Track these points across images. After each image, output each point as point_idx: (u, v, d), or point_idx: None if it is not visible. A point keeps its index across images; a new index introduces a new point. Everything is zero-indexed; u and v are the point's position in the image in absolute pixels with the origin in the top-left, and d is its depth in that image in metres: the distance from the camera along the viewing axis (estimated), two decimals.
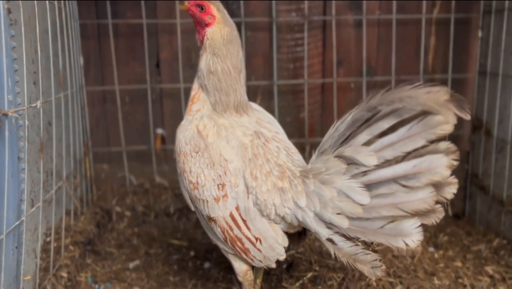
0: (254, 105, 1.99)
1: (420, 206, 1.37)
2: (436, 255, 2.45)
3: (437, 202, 1.39)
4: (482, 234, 2.74)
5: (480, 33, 2.89)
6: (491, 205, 2.77)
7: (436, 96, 1.25)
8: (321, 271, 2.19)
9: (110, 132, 2.89)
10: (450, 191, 1.38)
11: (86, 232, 2.34)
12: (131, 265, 2.36)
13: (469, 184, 3.07)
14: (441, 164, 1.31)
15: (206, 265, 2.36)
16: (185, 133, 1.81)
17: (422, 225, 1.43)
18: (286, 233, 1.72)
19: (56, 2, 2.00)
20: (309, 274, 2.17)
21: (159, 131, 2.93)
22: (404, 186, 1.36)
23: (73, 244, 2.18)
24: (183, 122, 1.87)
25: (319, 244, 2.40)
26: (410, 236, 1.39)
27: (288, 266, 2.25)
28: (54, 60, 2.01)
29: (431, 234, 2.77)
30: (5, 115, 1.32)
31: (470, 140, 3.05)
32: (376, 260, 1.49)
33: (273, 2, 2.78)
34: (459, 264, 2.36)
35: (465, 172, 3.12)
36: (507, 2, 2.55)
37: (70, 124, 2.27)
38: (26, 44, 1.64)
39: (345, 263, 1.53)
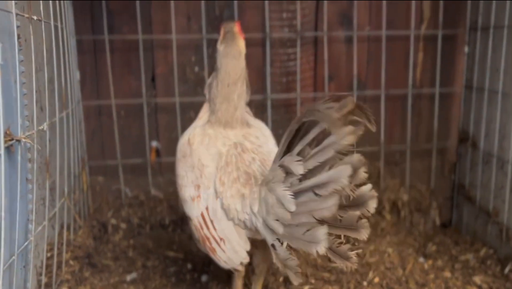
0: (256, 122, 2.08)
1: (326, 214, 1.39)
2: (426, 266, 2.53)
3: (361, 217, 1.44)
4: (470, 244, 2.83)
5: (466, 49, 2.99)
6: (478, 215, 2.86)
7: (329, 112, 1.29)
8: (317, 284, 2.25)
9: (105, 145, 2.91)
10: (372, 205, 1.42)
11: (85, 246, 2.37)
12: (129, 277, 2.39)
13: (456, 194, 3.17)
14: (344, 175, 1.33)
15: (204, 278, 2.40)
16: (181, 140, 2.01)
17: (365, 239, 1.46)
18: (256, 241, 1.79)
19: (59, 22, 2.03)
20: (306, 287, 2.23)
21: (154, 144, 2.96)
22: (316, 194, 1.41)
23: (73, 258, 2.21)
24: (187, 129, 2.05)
25: (313, 257, 2.46)
26: (320, 243, 1.42)
27: (285, 279, 2.31)
28: (56, 78, 2.05)
29: (420, 244, 2.85)
30: (18, 140, 1.35)
31: (457, 151, 3.15)
32: (297, 265, 1.53)
33: (267, 18, 2.84)
34: (448, 274, 2.44)
35: (452, 183, 3.21)
36: (492, 20, 2.65)
37: (71, 140, 2.29)
38: (28, 65, 1.68)
39: (280, 268, 1.58)
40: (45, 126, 1.64)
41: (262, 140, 1.97)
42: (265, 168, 1.81)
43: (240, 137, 1.92)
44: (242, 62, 1.95)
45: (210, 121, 1.98)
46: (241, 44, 1.97)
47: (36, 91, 1.84)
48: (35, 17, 1.59)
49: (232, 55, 1.92)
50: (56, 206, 1.98)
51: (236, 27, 1.99)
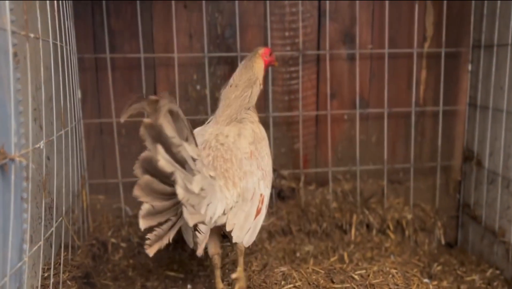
0: (246, 123, 2.19)
1: None
2: (431, 287, 2.47)
3: None
4: (475, 264, 2.77)
5: (470, 67, 2.97)
6: (484, 235, 2.81)
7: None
8: None
9: (106, 164, 2.90)
10: None
11: (83, 266, 2.34)
12: None
13: (461, 213, 3.12)
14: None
15: None
16: None
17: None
18: None
19: (58, 41, 2.03)
20: None
21: None
22: None
23: (71, 279, 2.17)
24: None
25: (315, 277, 2.41)
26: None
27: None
28: (55, 96, 2.04)
29: (424, 264, 2.80)
30: (12, 159, 1.34)
31: (461, 170, 3.11)
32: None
33: (269, 37, 2.84)
34: None
35: (457, 202, 3.16)
36: (496, 37, 2.64)
37: (70, 158, 2.28)
38: (30, 84, 1.67)
39: None
40: (42, 144, 1.62)
41: (231, 139, 2.06)
42: (215, 162, 1.93)
43: (210, 135, 2.06)
44: (248, 74, 2.23)
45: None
46: (256, 62, 2.26)
47: (35, 109, 1.83)
48: (32, 35, 1.59)
49: (244, 65, 2.25)
50: (53, 225, 1.95)
51: (262, 50, 2.32)
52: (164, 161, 1.38)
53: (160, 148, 1.37)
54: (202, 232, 1.72)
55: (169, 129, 1.38)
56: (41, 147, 1.63)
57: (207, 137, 2.06)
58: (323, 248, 2.88)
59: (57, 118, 1.97)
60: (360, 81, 2.98)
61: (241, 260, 2.13)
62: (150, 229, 1.54)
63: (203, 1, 2.74)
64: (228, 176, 1.90)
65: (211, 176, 1.72)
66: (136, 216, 2.92)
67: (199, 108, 2.91)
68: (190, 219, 1.52)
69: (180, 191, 1.42)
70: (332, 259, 2.73)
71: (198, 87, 2.90)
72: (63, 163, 2.17)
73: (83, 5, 2.70)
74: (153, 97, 1.37)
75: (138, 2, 2.67)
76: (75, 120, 2.43)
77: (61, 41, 2.10)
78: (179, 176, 1.42)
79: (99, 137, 2.87)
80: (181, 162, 1.48)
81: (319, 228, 2.97)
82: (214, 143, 2.02)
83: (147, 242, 1.56)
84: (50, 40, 1.83)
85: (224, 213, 1.82)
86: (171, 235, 1.60)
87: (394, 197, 3.13)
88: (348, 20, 2.95)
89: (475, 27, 2.91)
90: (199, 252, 1.76)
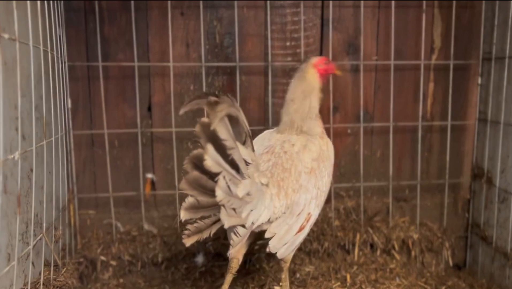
0: (314, 136, 2.18)
1: None
2: None
3: None
4: (486, 288, 2.62)
5: (479, 80, 2.84)
6: (494, 257, 2.65)
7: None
8: None
9: (97, 177, 2.77)
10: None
11: (67, 286, 2.19)
12: None
13: (470, 233, 2.97)
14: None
15: None
16: None
17: None
18: None
19: (41, 45, 1.91)
20: None
21: (149, 175, 2.82)
22: None
23: None
24: None
25: None
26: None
27: None
28: (39, 104, 1.92)
29: (432, 286, 2.65)
30: None
31: (470, 188, 2.97)
32: None
33: (269, 46, 2.72)
34: None
35: (466, 221, 3.02)
36: (508, 49, 2.51)
37: (54, 170, 2.15)
38: (8, 89, 1.55)
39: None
40: (16, 155, 1.50)
41: (296, 149, 2.06)
42: (273, 168, 1.96)
43: (277, 141, 2.11)
44: (302, 86, 2.20)
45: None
46: (309, 72, 2.21)
47: (16, 118, 1.71)
48: (6, 36, 1.47)
49: (297, 78, 2.23)
50: (31, 242, 1.81)
51: (315, 59, 2.25)
52: (211, 161, 1.44)
53: (210, 148, 1.44)
54: (239, 234, 1.74)
55: (223, 133, 1.45)
56: (16, 158, 1.50)
57: (273, 142, 2.11)
58: (325, 269, 2.74)
59: (38, 126, 1.84)
60: (365, 94, 2.85)
61: (283, 275, 2.14)
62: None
63: (201, 9, 2.63)
64: (282, 186, 1.91)
65: (262, 183, 1.77)
66: (127, 233, 2.79)
67: (195, 120, 2.78)
68: (227, 221, 1.60)
69: (219, 193, 1.50)
70: (334, 282, 2.57)
71: None
72: (45, 176, 2.04)
73: (75, 12, 2.59)
74: (213, 99, 1.42)
75: (132, 9, 2.56)
76: (62, 131, 2.31)
77: (45, 46, 1.98)
78: (224, 177, 1.50)
79: (90, 149, 2.75)
80: (233, 165, 1.54)
81: (320, 247, 2.83)
82: (278, 149, 2.05)
83: (186, 232, 1.68)
84: (30, 43, 1.71)
85: (269, 221, 1.85)
86: (213, 230, 1.72)
87: (400, 216, 2.99)
88: (352, 30, 2.83)
89: (485, 39, 2.79)
90: (231, 252, 1.93)
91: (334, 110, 2.87)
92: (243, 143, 1.62)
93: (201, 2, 2.61)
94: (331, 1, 2.73)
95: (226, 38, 2.75)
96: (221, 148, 1.47)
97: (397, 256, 2.88)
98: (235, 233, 1.74)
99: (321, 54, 2.83)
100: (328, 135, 2.80)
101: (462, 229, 3.03)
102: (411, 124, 2.90)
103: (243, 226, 1.71)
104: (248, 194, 1.64)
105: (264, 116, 2.81)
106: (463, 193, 3.01)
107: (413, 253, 2.90)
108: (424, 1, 2.77)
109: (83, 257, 2.59)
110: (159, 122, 2.77)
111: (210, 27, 2.73)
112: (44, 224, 1.95)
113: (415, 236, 2.90)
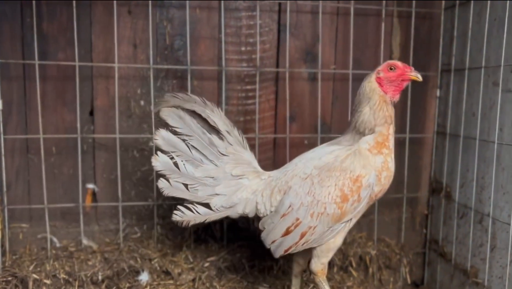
0: (345, 156, 2.03)
1: None
2: None
3: None
4: None
5: (438, 92, 2.79)
6: (453, 274, 2.58)
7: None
8: None
9: (31, 187, 2.54)
10: None
11: None
12: None
13: (428, 249, 2.89)
14: None
15: None
16: None
17: None
18: None
19: None
20: None
21: (90, 186, 2.60)
22: None
23: None
24: None
25: None
26: None
27: None
28: None
29: None
30: None
31: (428, 203, 2.89)
32: None
33: (223, 50, 2.58)
34: None
35: (424, 237, 2.94)
36: (467, 60, 2.45)
37: None
38: None
39: None
40: None
41: (309, 156, 2.13)
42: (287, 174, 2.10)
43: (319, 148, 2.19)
44: (359, 97, 2.08)
45: None
46: (368, 82, 2.07)
47: None
48: None
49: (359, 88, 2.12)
50: None
51: (380, 67, 2.08)
52: (161, 141, 2.07)
53: (162, 131, 2.07)
54: (199, 212, 2.10)
55: (172, 121, 2.09)
56: None
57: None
58: (280, 287, 2.59)
59: None
60: (322, 104, 2.75)
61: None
62: None
63: (150, 8, 2.46)
64: (272, 185, 2.09)
65: (233, 175, 2.11)
66: (64, 248, 2.58)
67: (142, 126, 2.62)
68: (166, 190, 2.07)
69: (156, 164, 2.06)
70: None
71: (142, 102, 2.61)
72: None
73: (10, 5, 2.39)
74: (170, 94, 2.09)
75: (74, 4, 2.37)
76: None
77: None
78: (178, 156, 2.08)
79: (24, 156, 2.52)
80: (194, 149, 2.10)
81: (275, 264, 2.68)
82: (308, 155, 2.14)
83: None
84: None
85: (258, 215, 2.12)
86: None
87: (357, 231, 2.90)
88: (310, 37, 2.73)
89: (444, 50, 2.74)
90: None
91: (291, 119, 2.75)
92: (223, 138, 2.10)
93: (149, 1, 2.44)
94: (288, 4, 2.62)
95: (176, 40, 2.59)
96: (175, 133, 2.05)
97: (355, 273, 2.77)
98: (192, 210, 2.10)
99: (277, 61, 2.71)
100: (284, 146, 2.70)
101: (420, 246, 2.96)
102: None
103: (205, 205, 2.09)
104: (210, 177, 2.09)
105: None
106: (421, 208, 2.94)
107: (370, 270, 2.80)
108: (384, 10, 2.69)
109: (12, 276, 2.34)
110: (102, 128, 2.58)
111: (159, 27, 2.57)
112: None
113: (373, 252, 2.79)
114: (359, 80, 2.73)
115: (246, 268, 2.66)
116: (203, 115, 2.06)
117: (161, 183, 2.07)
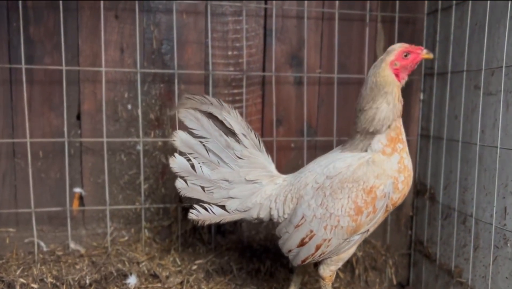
0: (359, 167, 1.95)
1: None
2: None
3: None
4: None
5: (421, 96, 2.83)
6: (438, 275, 2.61)
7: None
8: None
9: (18, 191, 2.53)
10: None
11: None
12: None
13: (413, 250, 2.92)
14: None
15: None
16: None
17: None
18: None
19: None
20: None
21: (77, 190, 2.60)
22: None
23: None
24: None
25: None
26: None
27: None
28: None
29: None
30: None
31: (413, 204, 2.93)
32: None
33: (210, 54, 2.60)
34: None
35: (409, 238, 2.97)
36: (450, 64, 2.50)
37: None
38: None
39: None
40: None
41: (323, 162, 2.07)
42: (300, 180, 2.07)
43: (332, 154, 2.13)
44: (373, 92, 1.95)
45: None
46: (380, 73, 1.95)
47: None
48: None
49: (365, 81, 2.02)
50: None
51: (392, 54, 1.98)
52: (179, 142, 2.06)
53: (181, 132, 2.06)
54: (214, 213, 2.10)
55: (190, 123, 2.07)
56: None
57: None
58: None
59: None
60: (308, 108, 2.78)
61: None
62: None
63: (137, 12, 2.47)
64: (285, 192, 2.06)
65: (247, 180, 2.09)
66: (51, 253, 2.56)
67: (130, 130, 2.62)
68: (183, 190, 2.08)
69: (174, 165, 2.06)
70: None
71: (129, 106, 2.61)
72: None
73: None
74: (186, 95, 2.07)
75: (61, 8, 2.37)
76: None
77: None
78: (195, 158, 2.07)
79: (11, 160, 2.51)
80: (211, 152, 2.08)
81: (262, 266, 2.69)
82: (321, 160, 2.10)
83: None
84: None
85: (272, 220, 2.10)
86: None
87: None
88: (295, 41, 2.76)
89: None
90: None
91: (278, 123, 2.78)
92: (239, 141, 2.06)
93: (136, 5, 2.46)
94: (274, 10, 2.65)
95: (164, 44, 2.60)
96: (191, 134, 2.04)
97: (341, 275, 2.80)
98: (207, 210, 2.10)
99: (264, 65, 2.74)
100: (271, 149, 2.71)
101: (405, 247, 2.99)
102: None
103: (221, 206, 2.09)
104: (226, 180, 2.07)
105: None
106: (406, 210, 2.97)
107: (357, 271, 2.82)
108: (368, 15, 2.74)
109: None
110: (89, 132, 2.57)
111: (146, 32, 2.58)
112: None
113: (359, 253, 2.82)
114: (344, 84, 2.79)
115: (234, 270, 2.66)
116: (219, 117, 2.03)
117: (179, 184, 2.06)
